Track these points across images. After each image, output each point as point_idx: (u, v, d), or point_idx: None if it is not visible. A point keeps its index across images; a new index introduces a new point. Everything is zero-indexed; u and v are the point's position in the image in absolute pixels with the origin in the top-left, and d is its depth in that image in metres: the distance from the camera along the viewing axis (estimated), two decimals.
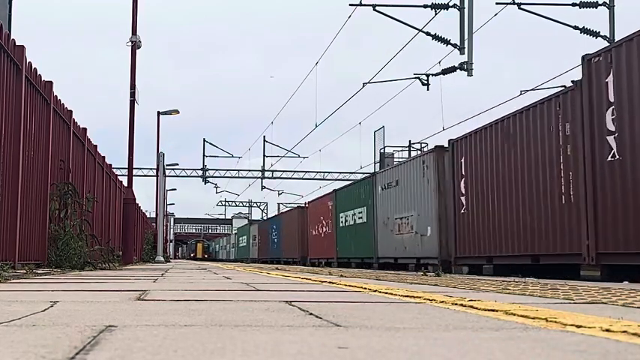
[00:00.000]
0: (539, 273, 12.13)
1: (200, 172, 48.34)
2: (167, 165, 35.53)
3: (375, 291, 4.74)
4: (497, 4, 18.62)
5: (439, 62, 20.21)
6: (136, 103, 18.50)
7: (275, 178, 49.22)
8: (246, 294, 4.40)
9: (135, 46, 18.65)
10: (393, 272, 13.52)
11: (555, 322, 2.45)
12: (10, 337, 1.96)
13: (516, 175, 13.37)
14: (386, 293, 4.43)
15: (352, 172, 45.82)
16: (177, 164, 46.68)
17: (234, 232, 74.24)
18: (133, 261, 20.10)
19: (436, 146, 17.63)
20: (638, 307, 3.39)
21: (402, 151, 33.72)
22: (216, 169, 49.06)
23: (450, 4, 18.21)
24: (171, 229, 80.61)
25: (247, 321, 2.49)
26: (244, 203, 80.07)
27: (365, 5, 19.03)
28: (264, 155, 46.87)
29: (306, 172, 49.09)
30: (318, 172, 49.28)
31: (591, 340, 2.00)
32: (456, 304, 3.36)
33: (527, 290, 5.07)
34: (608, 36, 18.16)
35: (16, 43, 8.29)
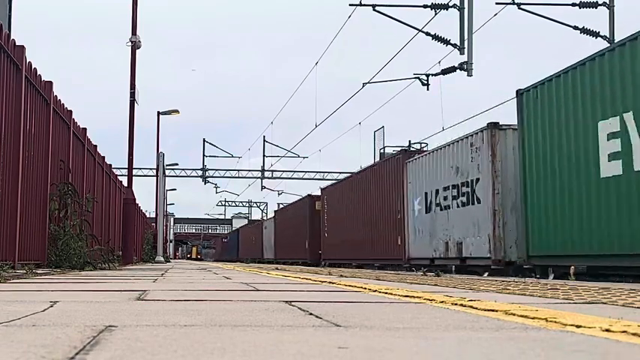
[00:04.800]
0: None
1: (200, 172, 48.35)
2: (167, 165, 35.53)
3: (375, 291, 4.75)
4: (497, 4, 18.63)
5: (439, 62, 20.22)
6: (136, 103, 18.51)
7: (275, 178, 49.26)
8: (246, 294, 4.40)
9: (135, 46, 18.66)
10: (392, 272, 13.52)
11: (555, 322, 2.45)
12: (10, 337, 1.96)
13: None
14: (386, 293, 4.44)
15: (352, 172, 45.72)
16: (177, 164, 46.73)
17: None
18: (133, 261, 20.10)
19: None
20: (638, 307, 3.39)
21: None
22: (216, 169, 49.10)
23: (450, 4, 18.21)
24: (171, 229, 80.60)
25: (247, 321, 2.49)
26: (244, 203, 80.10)
27: (365, 5, 19.04)
28: (264, 155, 46.92)
29: (306, 172, 49.12)
30: (318, 172, 49.30)
31: (591, 340, 2.00)
32: (455, 304, 3.36)
33: (527, 290, 5.07)
34: (608, 36, 18.16)
35: (16, 43, 8.29)
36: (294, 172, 48.81)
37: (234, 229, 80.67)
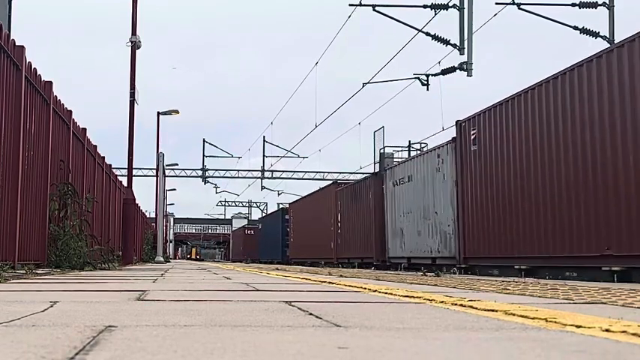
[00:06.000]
0: None
1: (200, 172, 48.37)
2: (167, 165, 35.54)
3: (375, 291, 4.74)
4: (497, 4, 18.64)
5: (439, 62, 20.23)
6: (135, 103, 18.52)
7: (275, 178, 49.28)
8: (246, 294, 4.40)
9: (135, 46, 18.66)
10: (392, 272, 13.51)
11: (555, 322, 2.45)
12: (10, 337, 1.96)
13: None
14: (385, 293, 4.43)
15: (352, 172, 45.80)
16: (177, 164, 46.74)
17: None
18: (133, 261, 20.10)
19: None
20: (637, 307, 3.39)
21: (401, 151, 33.69)
22: (216, 169, 49.11)
23: (450, 4, 18.22)
24: (171, 229, 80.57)
25: (247, 321, 2.49)
26: (244, 203, 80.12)
27: (365, 5, 19.04)
28: (263, 155, 46.92)
29: (305, 172, 49.13)
30: (317, 172, 49.31)
31: (591, 340, 2.00)
32: (455, 305, 3.36)
33: (527, 290, 5.07)
34: (608, 36, 18.16)
35: (16, 43, 8.29)
36: (294, 172, 48.85)
37: (271, 211, 59.90)
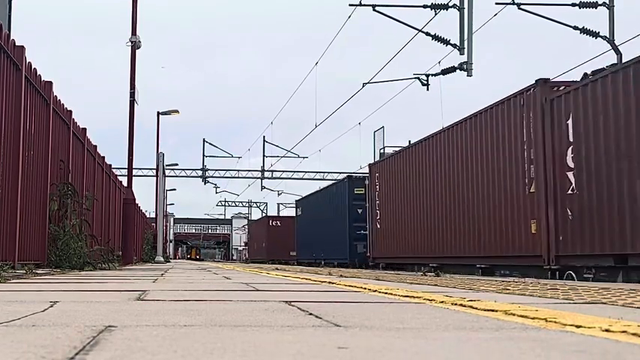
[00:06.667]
0: None
1: (200, 172, 48.38)
2: (167, 165, 35.55)
3: (375, 291, 4.74)
4: (497, 4, 18.61)
5: (439, 62, 20.22)
6: (135, 103, 18.53)
7: (275, 178, 49.28)
8: (246, 294, 4.40)
9: (135, 46, 18.67)
10: (392, 272, 13.51)
11: (555, 322, 2.45)
12: (10, 337, 1.96)
13: None
14: (385, 293, 4.44)
15: (352, 172, 45.77)
16: (177, 164, 46.76)
17: None
18: (133, 261, 20.10)
19: None
20: (637, 307, 3.39)
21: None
22: (216, 169, 49.11)
23: (450, 4, 18.21)
24: (171, 229, 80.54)
25: (247, 321, 2.49)
26: (244, 203, 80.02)
27: (365, 5, 19.03)
28: (263, 155, 46.91)
29: (305, 172, 49.12)
30: (317, 172, 49.30)
31: (591, 340, 2.00)
32: (455, 305, 3.36)
33: (527, 290, 5.07)
34: (608, 36, 18.16)
35: (16, 44, 8.29)
36: (294, 172, 48.84)
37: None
